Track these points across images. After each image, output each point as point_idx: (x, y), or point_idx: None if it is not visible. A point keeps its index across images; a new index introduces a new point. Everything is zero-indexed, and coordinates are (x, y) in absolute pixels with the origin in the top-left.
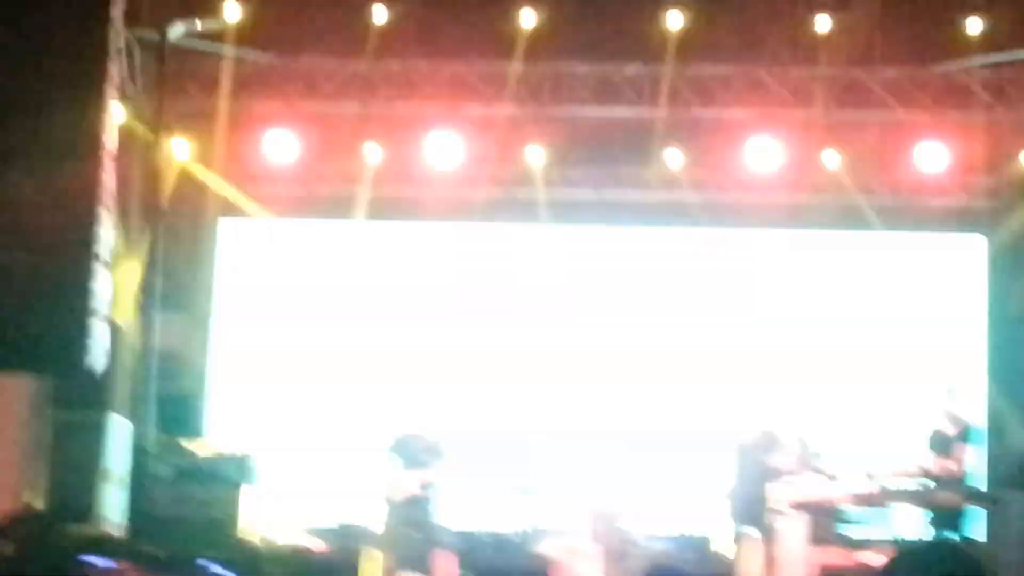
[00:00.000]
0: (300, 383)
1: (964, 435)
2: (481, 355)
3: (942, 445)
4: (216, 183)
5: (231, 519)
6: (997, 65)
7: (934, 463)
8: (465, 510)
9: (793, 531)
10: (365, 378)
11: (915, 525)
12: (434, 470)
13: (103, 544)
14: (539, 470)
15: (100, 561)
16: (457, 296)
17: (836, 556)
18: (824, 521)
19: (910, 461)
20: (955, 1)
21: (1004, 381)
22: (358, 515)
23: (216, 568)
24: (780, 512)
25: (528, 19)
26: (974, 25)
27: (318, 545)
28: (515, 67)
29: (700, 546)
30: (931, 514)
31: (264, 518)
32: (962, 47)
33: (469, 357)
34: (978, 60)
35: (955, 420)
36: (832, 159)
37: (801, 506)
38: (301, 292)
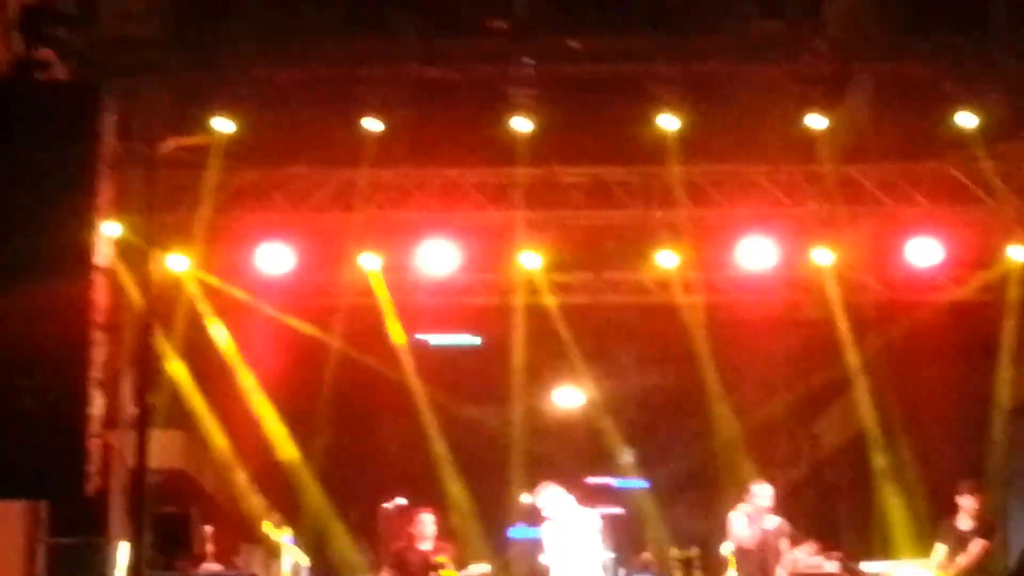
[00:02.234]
0: None
1: (981, 531)
2: None
3: (957, 540)
4: (211, 295)
5: None
6: (989, 158)
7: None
8: None
9: None
10: None
11: None
12: None
13: None
14: None
15: None
16: None
17: None
18: None
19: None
20: (946, 96)
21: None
22: None
23: None
24: None
25: (521, 125)
26: (965, 119)
27: None
28: (508, 173)
29: None
30: None
31: None
32: (953, 142)
33: None
34: (969, 154)
35: (973, 516)
36: (823, 256)
37: None
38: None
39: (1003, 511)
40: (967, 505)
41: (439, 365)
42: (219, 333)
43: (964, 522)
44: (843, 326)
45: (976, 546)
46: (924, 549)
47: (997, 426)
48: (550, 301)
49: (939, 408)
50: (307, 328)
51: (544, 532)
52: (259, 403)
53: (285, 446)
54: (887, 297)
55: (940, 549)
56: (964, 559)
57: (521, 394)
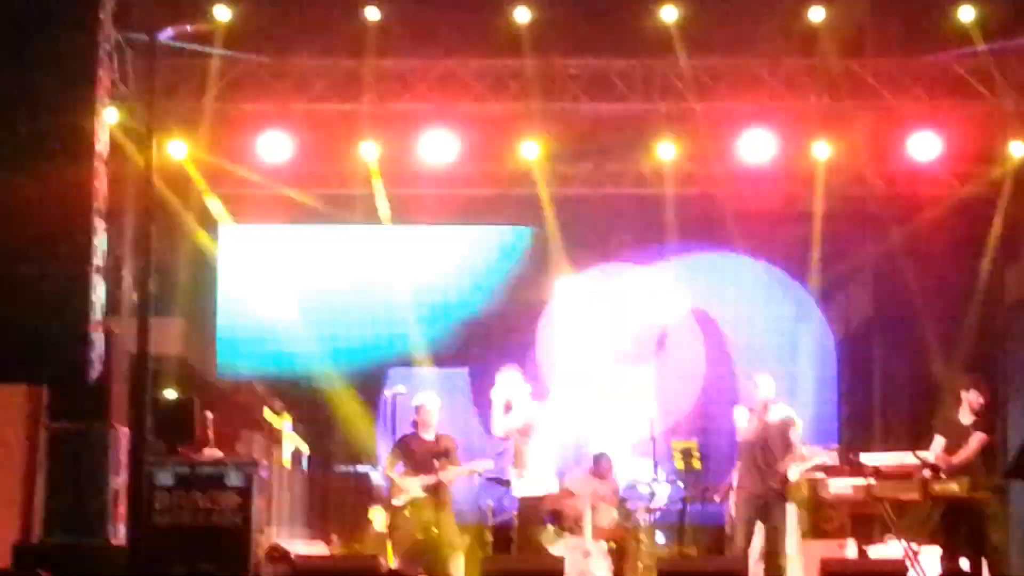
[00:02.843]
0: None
1: (981, 425)
2: None
3: (957, 433)
4: (211, 185)
5: (236, 527)
6: (990, 53)
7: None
8: None
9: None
10: None
11: None
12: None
13: None
14: None
15: None
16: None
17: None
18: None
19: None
20: None
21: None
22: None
23: None
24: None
25: (522, 16)
26: (966, 14)
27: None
28: (509, 64)
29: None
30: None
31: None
32: (955, 36)
33: None
34: (970, 49)
35: (975, 410)
36: (823, 150)
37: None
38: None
39: (1002, 406)
40: (970, 399)
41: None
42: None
43: (965, 416)
44: (843, 220)
45: (975, 440)
46: (925, 442)
47: (998, 321)
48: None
49: (940, 302)
50: (309, 200)
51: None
52: None
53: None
54: (888, 191)
55: (938, 441)
56: (963, 452)
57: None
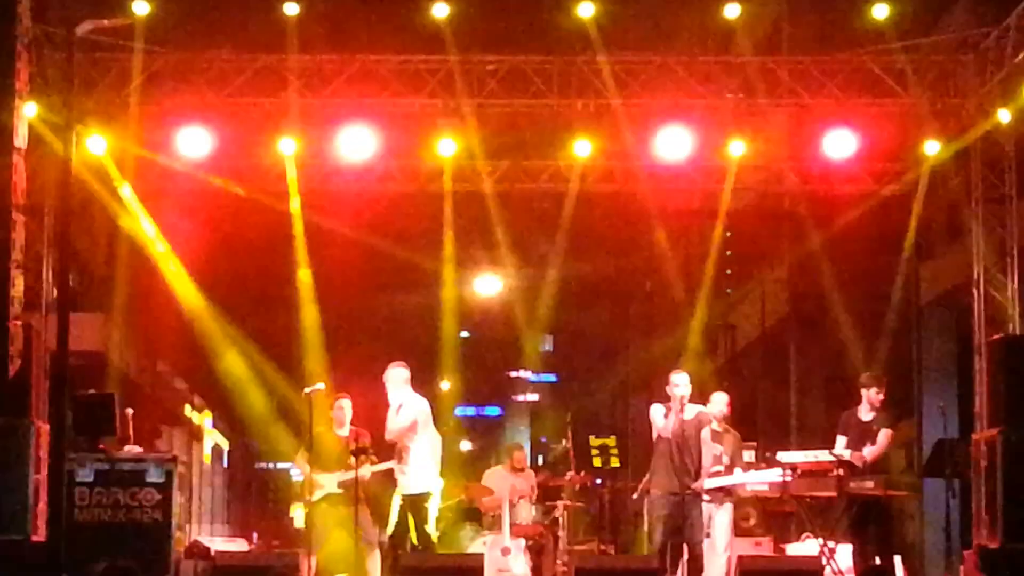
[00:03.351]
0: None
1: (883, 420)
2: None
3: (859, 431)
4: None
5: (156, 523)
6: (904, 51)
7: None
8: None
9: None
10: None
11: None
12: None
13: None
14: None
15: None
16: None
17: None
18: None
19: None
20: None
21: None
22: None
23: None
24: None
25: (440, 11)
26: (880, 11)
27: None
28: (427, 60)
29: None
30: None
31: (191, 522)
32: (870, 34)
33: None
34: (885, 47)
35: (874, 406)
36: (738, 147)
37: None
38: None
39: (917, 402)
40: (870, 396)
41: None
42: (139, 214)
43: (865, 413)
44: (759, 218)
45: (883, 435)
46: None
47: (910, 319)
48: (467, 188)
49: (853, 301)
50: (235, 188)
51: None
52: (182, 286)
53: (208, 328)
54: (804, 189)
55: (840, 440)
56: (875, 449)
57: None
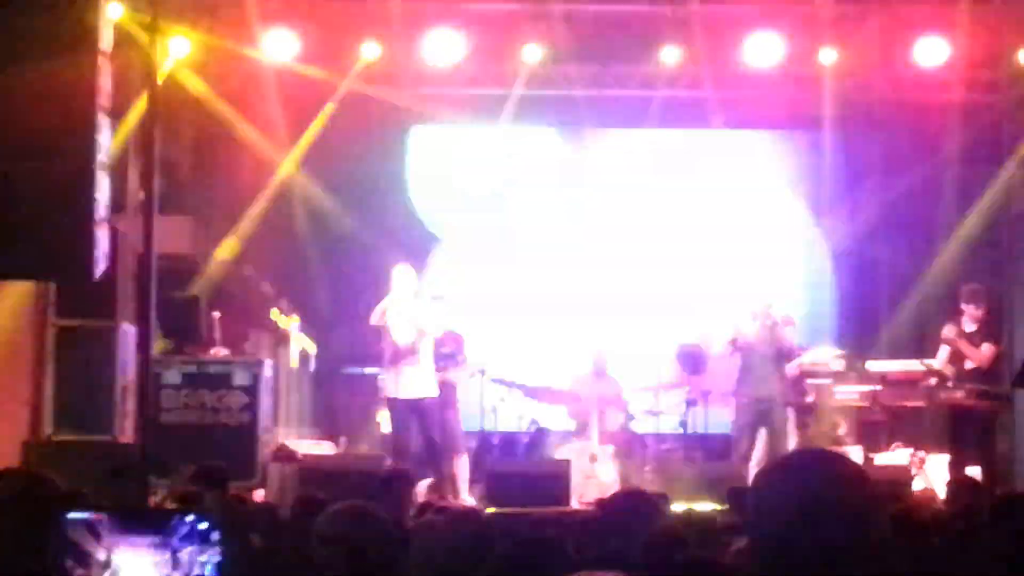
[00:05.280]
0: None
1: (987, 335)
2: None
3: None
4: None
5: (242, 426)
6: None
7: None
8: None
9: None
10: None
11: None
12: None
13: (80, 499)
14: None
15: (80, 516)
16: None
17: None
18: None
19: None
20: None
21: None
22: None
23: (198, 523)
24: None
25: None
26: None
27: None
28: None
29: (705, 442)
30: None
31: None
32: None
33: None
34: None
35: (976, 319)
36: (829, 55)
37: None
38: None
39: (1009, 315)
40: (969, 310)
41: None
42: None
43: (968, 325)
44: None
45: (987, 348)
46: (931, 351)
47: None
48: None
49: (945, 211)
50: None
51: None
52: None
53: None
54: (894, 97)
55: (943, 351)
56: (975, 360)
57: None
